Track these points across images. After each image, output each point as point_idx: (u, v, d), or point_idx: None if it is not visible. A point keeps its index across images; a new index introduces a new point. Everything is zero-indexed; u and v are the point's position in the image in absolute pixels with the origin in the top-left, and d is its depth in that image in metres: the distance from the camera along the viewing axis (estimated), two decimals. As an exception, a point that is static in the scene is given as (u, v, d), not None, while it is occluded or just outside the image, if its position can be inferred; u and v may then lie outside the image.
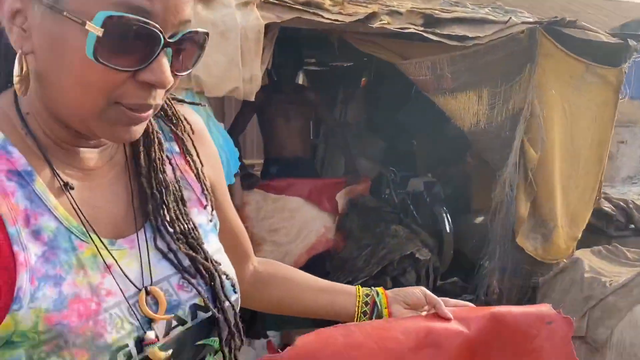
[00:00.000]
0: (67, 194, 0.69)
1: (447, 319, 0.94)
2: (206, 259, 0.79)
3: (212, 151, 0.93)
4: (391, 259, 4.04)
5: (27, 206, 0.65)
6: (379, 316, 0.98)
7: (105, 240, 0.71)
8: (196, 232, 0.80)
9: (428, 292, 0.99)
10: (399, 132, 4.74)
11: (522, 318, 0.96)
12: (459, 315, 0.96)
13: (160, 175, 0.78)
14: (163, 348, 0.71)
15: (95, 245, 0.69)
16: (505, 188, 2.85)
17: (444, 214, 4.00)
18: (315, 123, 5.23)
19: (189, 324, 0.75)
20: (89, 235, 0.69)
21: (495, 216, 2.94)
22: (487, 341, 0.94)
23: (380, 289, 1.00)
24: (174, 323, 0.73)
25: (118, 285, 0.70)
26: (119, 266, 0.71)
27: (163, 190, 0.77)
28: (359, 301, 0.99)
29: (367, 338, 0.88)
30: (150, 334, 0.69)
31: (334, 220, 3.80)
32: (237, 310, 0.83)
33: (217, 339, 0.79)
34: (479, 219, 4.04)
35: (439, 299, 0.97)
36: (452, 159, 4.64)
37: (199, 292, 0.76)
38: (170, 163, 0.81)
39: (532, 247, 2.97)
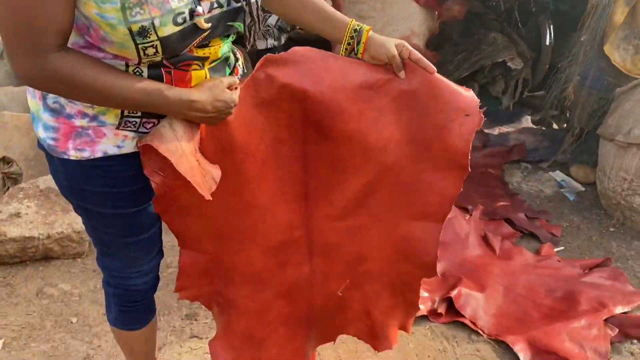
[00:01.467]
0: None
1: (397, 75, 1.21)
2: None
3: None
4: (482, 64, 4.05)
5: None
6: (356, 54, 1.27)
7: None
8: None
9: (395, 53, 1.19)
10: None
11: (451, 100, 1.20)
12: (410, 75, 1.21)
13: None
14: (205, 21, 1.02)
15: None
16: (606, -10, 2.69)
17: (547, 26, 3.84)
18: None
19: (225, 8, 1.06)
20: None
21: (587, 19, 2.83)
22: (415, 105, 1.22)
23: (364, 37, 1.21)
24: (215, 5, 1.05)
25: None
26: None
27: None
28: (344, 42, 1.25)
29: (336, 65, 1.21)
30: (199, 8, 1.01)
31: (426, 27, 3.78)
32: (259, 5, 1.14)
33: (241, 23, 1.11)
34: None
35: (399, 63, 1.20)
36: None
37: None
38: None
39: (620, 58, 2.86)
